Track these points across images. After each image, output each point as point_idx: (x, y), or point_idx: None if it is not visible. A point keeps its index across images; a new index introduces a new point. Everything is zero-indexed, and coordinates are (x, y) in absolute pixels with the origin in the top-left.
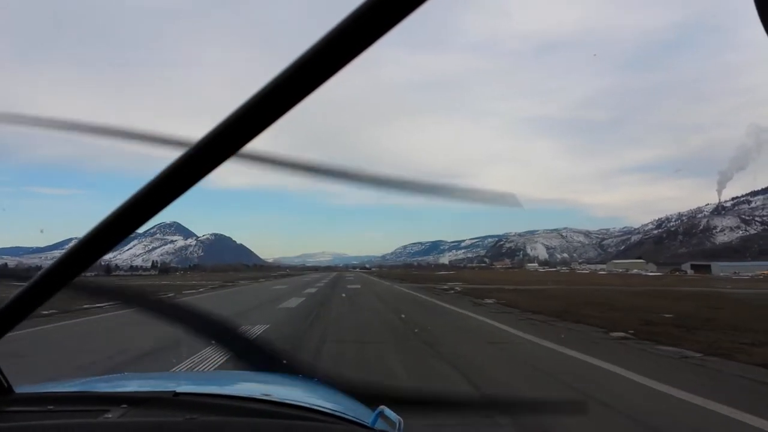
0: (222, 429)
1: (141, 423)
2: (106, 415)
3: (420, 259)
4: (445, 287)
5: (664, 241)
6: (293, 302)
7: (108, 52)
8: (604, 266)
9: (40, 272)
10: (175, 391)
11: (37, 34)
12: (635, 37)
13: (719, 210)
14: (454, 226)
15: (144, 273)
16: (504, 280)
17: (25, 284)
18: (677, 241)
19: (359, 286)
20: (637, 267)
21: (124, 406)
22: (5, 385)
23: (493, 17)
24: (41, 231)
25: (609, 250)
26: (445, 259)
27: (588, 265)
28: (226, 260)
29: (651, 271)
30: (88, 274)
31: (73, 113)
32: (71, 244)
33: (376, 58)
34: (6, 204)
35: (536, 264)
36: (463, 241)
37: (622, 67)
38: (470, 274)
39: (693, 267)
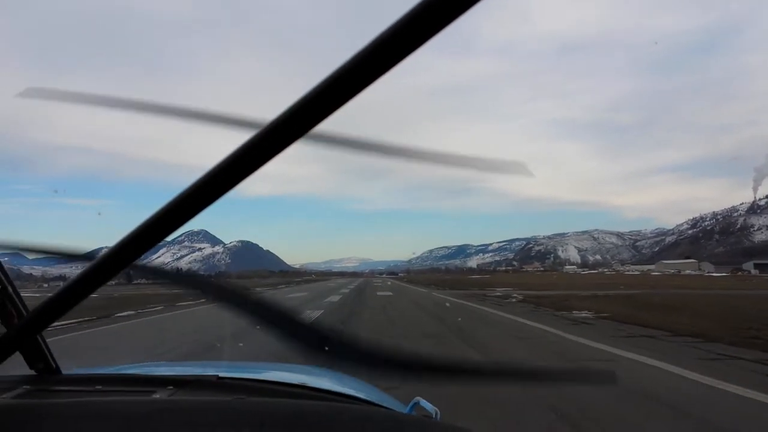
0: (268, 409)
1: (190, 402)
2: (153, 396)
3: (447, 263)
4: (499, 294)
5: (701, 241)
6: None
7: (120, 65)
8: (652, 267)
9: (89, 265)
10: (218, 375)
11: (47, 48)
12: (662, 37)
13: (755, 208)
14: (481, 230)
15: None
16: (557, 284)
17: (75, 275)
18: (713, 240)
19: (391, 294)
20: (689, 267)
21: (170, 387)
22: (53, 366)
23: (515, 20)
24: (99, 214)
25: (643, 251)
26: (472, 263)
27: (633, 266)
28: (253, 267)
29: (709, 272)
30: (112, 282)
31: (85, 125)
32: (107, 248)
33: (399, 65)
34: (34, 215)
35: (575, 266)
36: (491, 244)
37: (648, 67)
38: (508, 278)
39: (757, 266)
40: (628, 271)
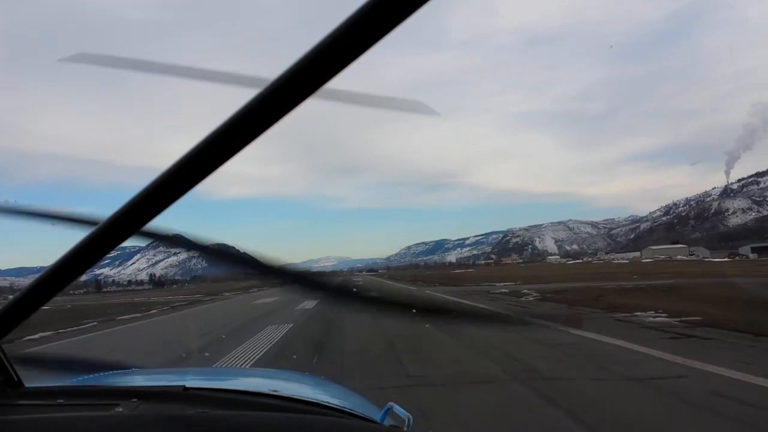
0: (233, 422)
1: (152, 416)
2: (117, 409)
3: (426, 258)
4: (504, 290)
5: (676, 227)
6: (262, 342)
7: (99, 66)
8: (637, 254)
9: (39, 275)
10: (184, 386)
11: (29, 49)
12: (626, 26)
13: (728, 193)
14: (457, 225)
15: (137, 288)
16: (558, 276)
17: (26, 286)
18: (689, 226)
19: (378, 295)
20: (680, 253)
21: (135, 400)
22: (15, 379)
23: (481, 13)
24: (52, 224)
25: (618, 239)
26: (451, 258)
27: (618, 254)
28: (231, 270)
29: (704, 257)
30: (79, 291)
31: (65, 128)
32: (69, 249)
33: (366, 62)
34: (5, 226)
35: (558, 256)
36: (467, 238)
37: (614, 56)
38: (496, 271)
39: (755, 250)
40: (614, 259)
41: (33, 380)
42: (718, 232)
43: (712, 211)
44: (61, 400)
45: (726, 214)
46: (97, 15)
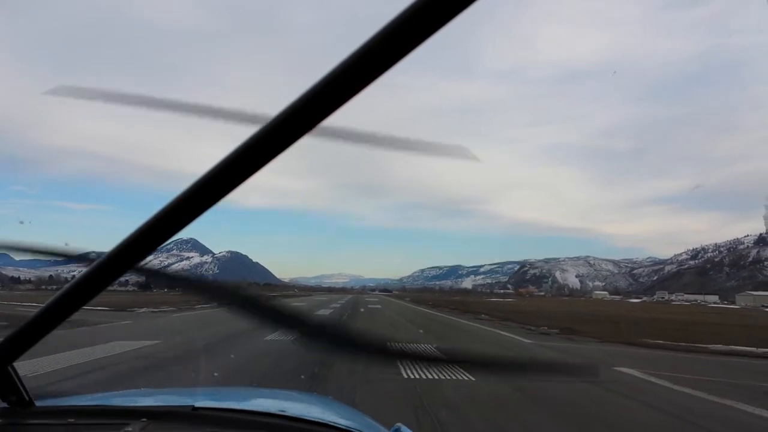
0: None
1: None
2: (126, 428)
3: (439, 283)
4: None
5: (709, 273)
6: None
7: (133, 75)
8: (715, 297)
9: (61, 290)
10: (193, 406)
11: (67, 59)
12: (659, 67)
13: (765, 241)
14: (472, 251)
15: (119, 289)
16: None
17: (40, 309)
18: (723, 273)
19: (439, 344)
20: None
21: (144, 419)
22: (26, 398)
23: (517, 45)
24: (66, 244)
25: (641, 280)
26: (467, 284)
27: (687, 296)
28: (241, 278)
29: None
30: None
31: (86, 128)
32: (96, 261)
33: (399, 83)
34: (28, 217)
35: (605, 293)
36: (482, 266)
37: (644, 96)
38: (553, 306)
39: None
40: (698, 301)
41: (44, 399)
42: (758, 281)
43: (750, 259)
44: (71, 420)
45: (766, 263)
46: (133, 23)
